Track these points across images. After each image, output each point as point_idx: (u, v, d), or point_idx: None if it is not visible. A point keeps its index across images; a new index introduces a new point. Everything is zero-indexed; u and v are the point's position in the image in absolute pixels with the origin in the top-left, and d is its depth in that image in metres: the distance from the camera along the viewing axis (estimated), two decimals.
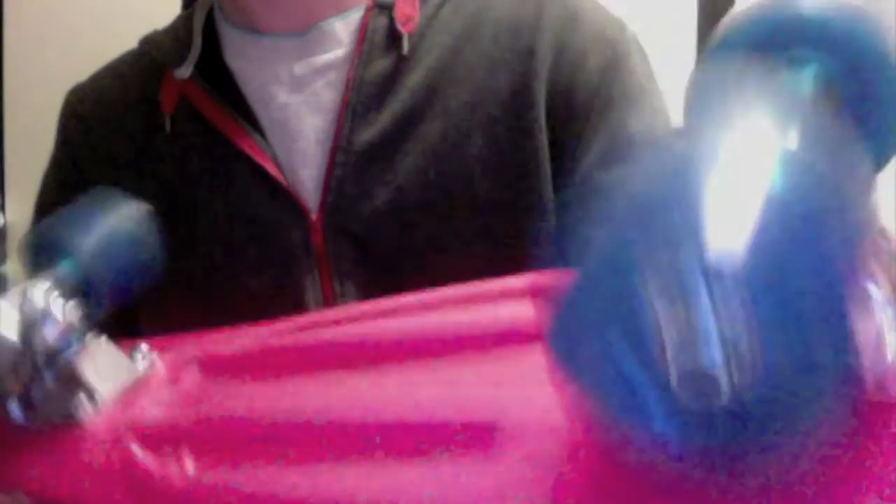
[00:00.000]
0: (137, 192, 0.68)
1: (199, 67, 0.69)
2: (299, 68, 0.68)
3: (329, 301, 0.64)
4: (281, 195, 0.65)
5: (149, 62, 0.72)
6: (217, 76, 0.69)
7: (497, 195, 0.65)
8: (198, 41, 0.69)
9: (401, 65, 0.66)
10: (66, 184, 0.73)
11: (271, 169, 0.65)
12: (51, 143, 0.77)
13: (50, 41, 1.73)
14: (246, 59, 0.69)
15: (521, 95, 0.66)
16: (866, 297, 0.27)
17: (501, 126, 0.66)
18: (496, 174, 0.65)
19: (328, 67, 0.68)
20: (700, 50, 1.72)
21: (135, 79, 0.73)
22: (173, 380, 0.51)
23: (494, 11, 0.69)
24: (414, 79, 0.66)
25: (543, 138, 0.66)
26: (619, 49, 0.68)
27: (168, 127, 0.68)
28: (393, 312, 0.49)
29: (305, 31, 0.68)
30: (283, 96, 0.68)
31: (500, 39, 0.67)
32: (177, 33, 0.72)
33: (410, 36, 0.66)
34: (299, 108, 0.67)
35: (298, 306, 0.64)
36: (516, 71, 0.66)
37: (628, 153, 0.64)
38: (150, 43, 0.74)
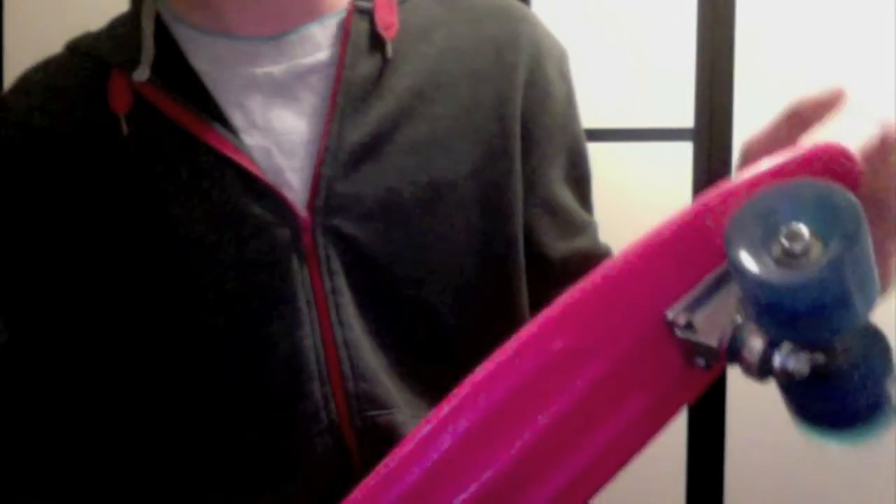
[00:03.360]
0: (96, 202, 0.66)
1: (155, 69, 0.67)
2: (279, 71, 0.68)
3: (320, 298, 0.64)
4: (266, 195, 0.64)
5: (86, 65, 0.70)
6: (177, 78, 0.67)
7: (482, 196, 0.68)
8: (150, 43, 0.68)
9: (384, 69, 0.68)
10: (21, 207, 0.69)
11: (254, 170, 0.64)
12: None
13: (50, 41, 1.73)
14: (215, 61, 0.68)
15: (504, 106, 0.69)
16: None
17: (486, 133, 0.68)
18: (482, 176, 0.68)
19: (310, 71, 0.68)
20: (701, 50, 1.72)
21: (72, 83, 0.70)
22: None
23: (473, 26, 0.72)
24: (399, 83, 0.67)
25: (519, 147, 0.70)
26: (570, 85, 0.75)
27: (125, 129, 0.66)
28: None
29: (281, 34, 0.69)
30: (261, 99, 0.67)
31: (483, 53, 0.70)
32: (120, 35, 0.70)
33: (392, 42, 0.68)
34: (280, 111, 0.67)
35: (289, 305, 0.64)
36: (500, 83, 0.70)
37: (582, 174, 0.75)
38: (90, 45, 0.71)
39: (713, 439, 1.74)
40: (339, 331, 0.64)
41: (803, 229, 0.41)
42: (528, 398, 0.47)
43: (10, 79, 1.70)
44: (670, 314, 0.47)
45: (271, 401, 0.65)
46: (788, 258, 0.41)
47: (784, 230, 0.41)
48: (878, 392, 0.47)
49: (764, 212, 0.43)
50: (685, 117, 1.73)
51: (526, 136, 0.70)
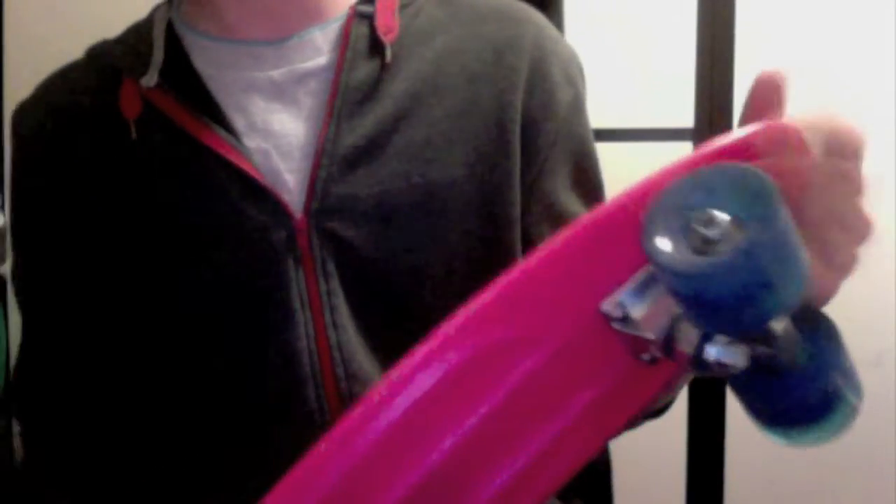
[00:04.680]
0: (106, 202, 0.68)
1: (163, 74, 0.68)
2: (279, 75, 0.69)
3: (314, 300, 0.64)
4: (263, 197, 0.65)
5: (102, 71, 0.72)
6: (183, 83, 0.69)
7: (479, 201, 0.68)
8: (160, 50, 0.69)
9: (383, 73, 0.68)
10: (39, 206, 0.72)
11: (251, 171, 0.65)
12: None
13: (50, 41, 1.73)
14: (219, 66, 0.70)
15: (503, 110, 0.69)
16: None
17: (484, 137, 0.68)
18: (479, 181, 0.68)
19: (309, 75, 0.69)
20: (701, 50, 1.72)
21: (88, 89, 0.72)
22: None
23: (473, 28, 0.71)
24: (397, 87, 0.68)
25: (518, 152, 0.69)
26: (577, 88, 0.74)
27: (134, 134, 0.67)
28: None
29: (283, 39, 0.69)
30: (261, 102, 0.68)
31: (482, 56, 0.70)
32: (133, 41, 0.72)
33: (392, 46, 0.67)
34: (280, 114, 0.68)
35: (284, 306, 0.64)
36: (499, 87, 0.69)
37: (590, 180, 0.72)
38: (104, 52, 0.73)
39: (713, 439, 1.74)
40: (333, 333, 0.64)
41: (719, 215, 0.40)
42: (458, 392, 0.45)
43: (10, 79, 1.70)
44: (605, 306, 0.45)
45: (266, 402, 0.65)
46: (707, 245, 0.39)
47: (699, 217, 0.40)
48: (831, 384, 0.45)
49: (678, 201, 0.41)
50: (685, 117, 1.73)
51: (527, 141, 0.69)
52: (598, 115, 0.78)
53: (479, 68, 0.70)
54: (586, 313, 0.45)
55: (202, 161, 0.66)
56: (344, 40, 0.68)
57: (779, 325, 0.43)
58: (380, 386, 0.45)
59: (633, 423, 0.72)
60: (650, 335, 0.43)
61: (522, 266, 0.47)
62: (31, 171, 0.73)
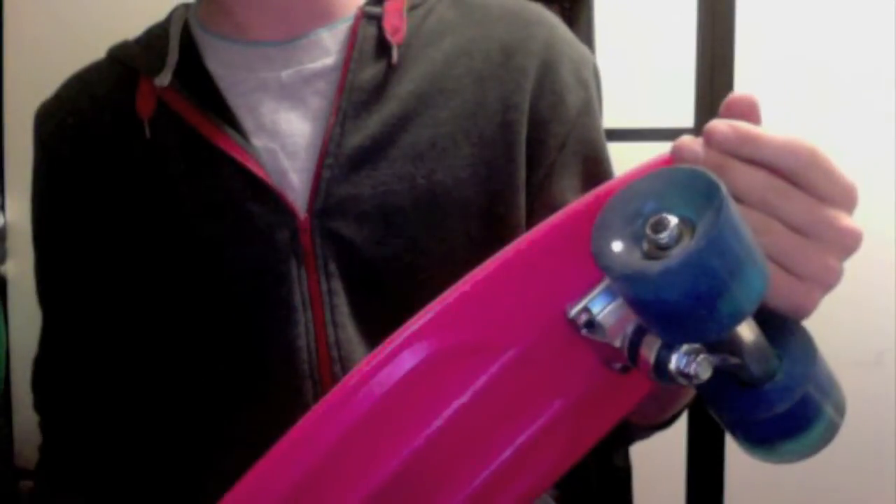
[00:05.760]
0: (122, 201, 0.70)
1: (177, 74, 0.69)
2: (287, 76, 0.69)
3: (315, 299, 0.65)
4: (269, 196, 0.66)
5: (120, 71, 0.73)
6: (196, 82, 0.69)
7: (483, 203, 0.68)
8: (175, 50, 0.70)
9: (389, 73, 0.68)
10: (59, 204, 0.74)
11: (258, 171, 0.66)
12: None
13: (50, 41, 1.73)
14: (230, 66, 0.70)
15: (509, 111, 0.69)
16: None
17: (490, 138, 0.68)
18: (483, 183, 0.68)
19: (316, 76, 0.69)
20: (701, 50, 1.72)
21: (106, 89, 0.73)
22: None
23: (483, 29, 0.71)
24: (403, 87, 0.68)
25: (524, 155, 0.69)
26: (589, 91, 0.73)
27: (148, 133, 0.68)
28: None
29: (292, 39, 0.70)
30: (270, 102, 0.69)
31: (491, 57, 0.70)
32: (151, 42, 0.73)
33: (399, 46, 0.67)
34: (288, 114, 0.68)
35: (285, 305, 0.65)
36: (507, 88, 0.69)
37: (597, 183, 0.68)
38: (123, 52, 0.74)
39: (713, 439, 1.74)
40: (332, 331, 0.64)
41: (669, 218, 0.38)
42: (416, 397, 0.42)
43: (10, 79, 1.70)
44: (571, 311, 0.43)
45: (264, 398, 0.65)
46: (660, 251, 0.38)
47: (651, 222, 0.38)
48: (806, 398, 0.43)
49: (627, 205, 0.40)
50: (685, 117, 1.73)
51: (535, 143, 0.69)
52: None
53: (486, 69, 0.69)
54: (554, 319, 0.43)
55: (211, 160, 0.67)
56: (351, 41, 0.69)
57: (747, 335, 0.42)
58: (336, 388, 0.43)
59: (639, 434, 0.72)
60: (616, 342, 0.42)
61: (486, 268, 0.44)
62: (53, 171, 0.74)
